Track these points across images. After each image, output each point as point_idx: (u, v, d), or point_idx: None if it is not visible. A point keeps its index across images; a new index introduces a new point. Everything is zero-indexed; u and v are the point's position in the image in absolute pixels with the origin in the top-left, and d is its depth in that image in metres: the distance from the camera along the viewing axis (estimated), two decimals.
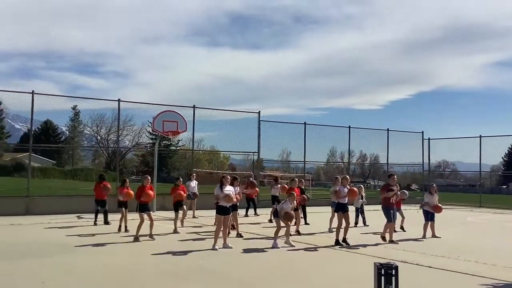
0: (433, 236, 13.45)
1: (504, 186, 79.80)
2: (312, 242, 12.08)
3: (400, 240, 12.61)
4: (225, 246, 10.87)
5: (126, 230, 13.30)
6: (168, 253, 10.11)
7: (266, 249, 10.85)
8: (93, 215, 15.38)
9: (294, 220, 13.83)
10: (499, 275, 8.52)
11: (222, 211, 10.90)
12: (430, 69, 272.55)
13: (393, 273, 6.89)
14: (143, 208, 12.11)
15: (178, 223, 13.91)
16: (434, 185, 14.30)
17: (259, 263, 9.45)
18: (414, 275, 8.43)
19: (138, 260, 9.38)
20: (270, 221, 17.35)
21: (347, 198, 12.04)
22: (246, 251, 10.63)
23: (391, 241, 12.20)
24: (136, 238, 11.77)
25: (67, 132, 79.52)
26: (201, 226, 15.07)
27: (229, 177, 11.62)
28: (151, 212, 12.45)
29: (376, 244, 11.90)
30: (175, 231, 13.46)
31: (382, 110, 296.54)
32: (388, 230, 12.33)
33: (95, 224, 14.79)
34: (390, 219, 12.23)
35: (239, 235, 12.84)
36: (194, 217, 17.59)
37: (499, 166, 75.18)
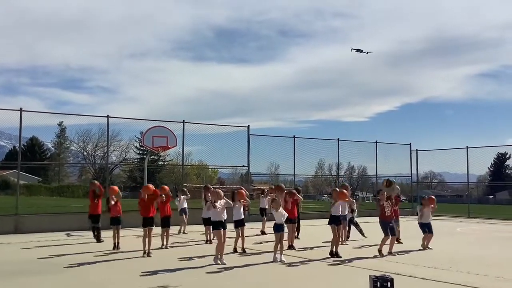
0: (425, 247, 13.50)
1: (491, 196, 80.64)
2: (306, 256, 12.08)
3: (393, 252, 12.68)
4: (221, 261, 10.80)
5: (118, 247, 13.09)
6: (164, 269, 10.05)
7: (260, 264, 10.82)
8: (83, 233, 15.18)
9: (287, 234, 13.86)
10: (492, 286, 8.61)
11: (216, 225, 10.98)
12: (415, 81, 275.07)
13: (389, 285, 6.96)
14: (146, 223, 12.15)
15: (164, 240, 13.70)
16: (426, 197, 14.39)
17: (254, 278, 9.43)
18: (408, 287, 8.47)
19: (134, 278, 9.31)
20: (262, 232, 17.35)
21: (340, 211, 12.16)
22: (240, 266, 10.56)
23: (389, 253, 12.23)
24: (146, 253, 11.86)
25: (53, 149, 78.93)
26: (189, 242, 15.01)
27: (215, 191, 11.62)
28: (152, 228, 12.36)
29: (370, 257, 11.90)
30: (165, 247, 13.40)
31: (369, 122, 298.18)
32: (386, 243, 12.34)
33: (99, 241, 14.57)
34: (387, 233, 12.27)
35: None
36: (184, 232, 17.52)
37: (485, 176, 76.03)
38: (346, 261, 11.26)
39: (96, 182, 15.54)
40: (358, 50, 76.49)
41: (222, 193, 11.43)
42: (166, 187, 14.02)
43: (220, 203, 11.07)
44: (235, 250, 12.60)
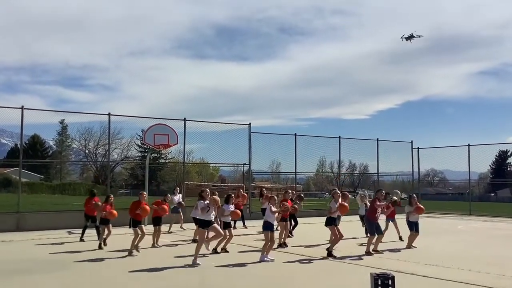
0: (410, 246, 13.39)
1: (492, 194, 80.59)
2: (306, 254, 12.08)
3: (393, 250, 12.71)
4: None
5: (101, 247, 12.87)
6: (156, 268, 10.06)
7: (260, 263, 10.80)
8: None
9: (281, 232, 13.83)
10: (493, 283, 8.59)
11: (204, 224, 10.92)
12: (416, 79, 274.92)
13: (390, 283, 6.94)
14: (137, 223, 12.12)
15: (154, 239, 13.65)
16: (414, 195, 14.31)
17: (254, 277, 9.43)
18: (410, 285, 8.47)
19: (133, 276, 9.32)
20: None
21: (337, 213, 12.13)
22: (239, 265, 10.56)
23: (368, 253, 11.96)
24: (130, 253, 11.75)
25: (55, 147, 78.93)
26: (188, 241, 15.00)
27: (208, 190, 11.65)
28: (142, 225, 12.43)
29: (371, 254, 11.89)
30: (153, 246, 13.34)
31: (371, 120, 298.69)
32: (371, 243, 12.28)
33: (81, 240, 14.47)
34: (373, 232, 12.24)
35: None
36: (183, 229, 17.49)
37: (487, 174, 76.01)
38: (347, 259, 11.26)
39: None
40: (409, 38, 65.77)
41: (218, 200, 11.58)
42: (165, 207, 14.00)
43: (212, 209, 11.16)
44: (217, 250, 12.34)
